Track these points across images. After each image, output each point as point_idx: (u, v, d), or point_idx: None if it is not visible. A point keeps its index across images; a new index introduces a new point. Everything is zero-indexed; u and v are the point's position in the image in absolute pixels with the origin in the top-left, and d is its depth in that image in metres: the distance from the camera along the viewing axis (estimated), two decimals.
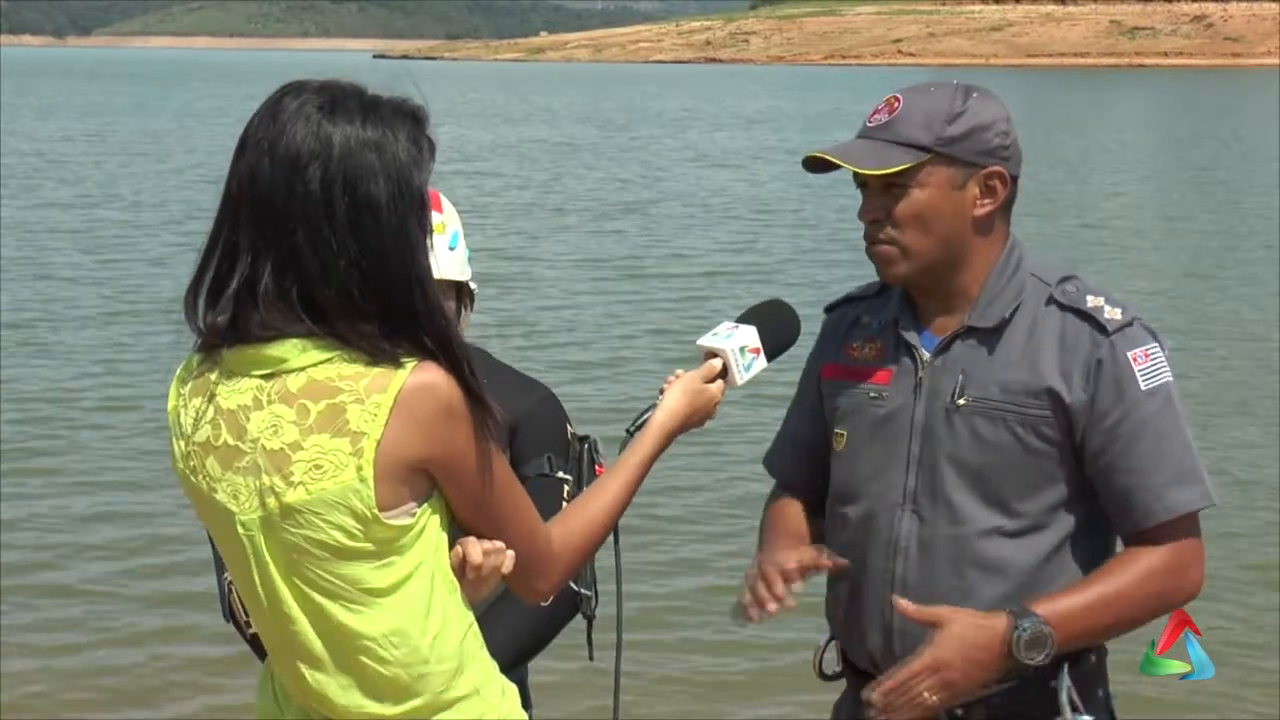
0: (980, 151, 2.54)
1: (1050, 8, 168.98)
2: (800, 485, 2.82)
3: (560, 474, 2.97)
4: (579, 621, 3.09)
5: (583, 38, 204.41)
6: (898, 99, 2.58)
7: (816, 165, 2.59)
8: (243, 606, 2.52)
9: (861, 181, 2.57)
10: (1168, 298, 15.16)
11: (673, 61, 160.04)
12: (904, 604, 2.52)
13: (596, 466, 3.02)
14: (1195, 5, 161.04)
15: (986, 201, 2.56)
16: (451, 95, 65.98)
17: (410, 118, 2.17)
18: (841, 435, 2.70)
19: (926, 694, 2.45)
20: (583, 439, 3.06)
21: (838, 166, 2.56)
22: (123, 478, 8.87)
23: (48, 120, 44.79)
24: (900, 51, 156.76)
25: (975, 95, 2.58)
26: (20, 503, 8.37)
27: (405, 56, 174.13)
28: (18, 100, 55.63)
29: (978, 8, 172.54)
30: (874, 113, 2.60)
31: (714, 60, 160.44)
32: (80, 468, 9.09)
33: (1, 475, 8.73)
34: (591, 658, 3.14)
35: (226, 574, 2.61)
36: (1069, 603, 2.48)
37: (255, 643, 2.54)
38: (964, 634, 2.45)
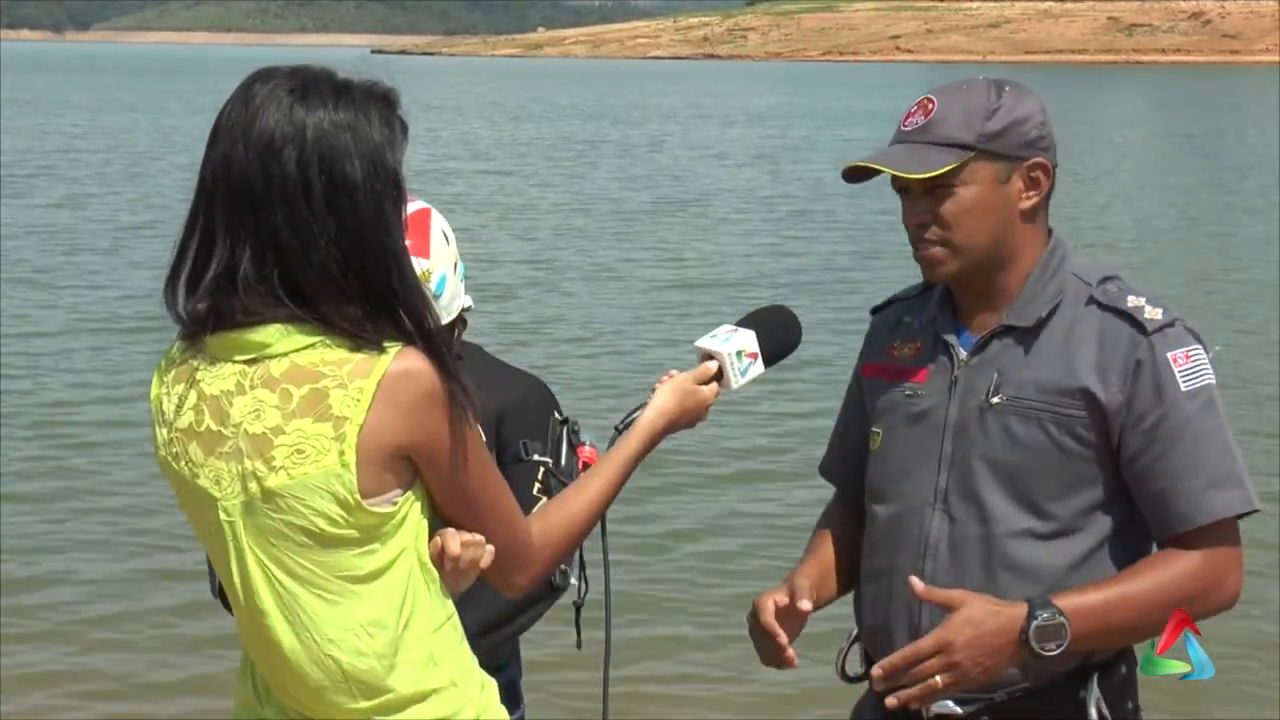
0: (1022, 144, 2.52)
1: (1048, 4, 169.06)
2: (851, 487, 2.77)
3: (536, 457, 2.95)
4: (573, 619, 3.06)
5: (580, 33, 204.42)
6: (931, 100, 2.54)
7: (855, 175, 2.56)
8: None
9: (902, 186, 2.53)
10: (1170, 296, 15.14)
11: (670, 58, 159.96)
12: (917, 583, 2.45)
13: (578, 447, 3.00)
14: (1193, 2, 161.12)
15: (1032, 194, 2.54)
16: (452, 91, 65.94)
17: (381, 99, 2.19)
18: (877, 434, 2.67)
19: (935, 676, 2.37)
20: (563, 421, 3.03)
21: (875, 174, 2.52)
22: (124, 483, 8.84)
23: (50, 116, 44.65)
24: (898, 48, 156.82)
25: (1008, 89, 2.55)
26: (18, 503, 8.35)
27: (403, 52, 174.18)
28: (17, 95, 55.55)
29: (975, 5, 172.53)
30: (908, 116, 2.56)
31: (712, 56, 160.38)
32: (82, 475, 9.05)
33: (2, 477, 8.71)
34: (579, 646, 3.11)
35: None
36: (1090, 597, 2.42)
37: None
38: (976, 617, 2.38)
